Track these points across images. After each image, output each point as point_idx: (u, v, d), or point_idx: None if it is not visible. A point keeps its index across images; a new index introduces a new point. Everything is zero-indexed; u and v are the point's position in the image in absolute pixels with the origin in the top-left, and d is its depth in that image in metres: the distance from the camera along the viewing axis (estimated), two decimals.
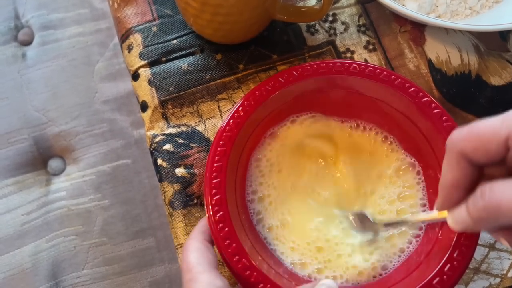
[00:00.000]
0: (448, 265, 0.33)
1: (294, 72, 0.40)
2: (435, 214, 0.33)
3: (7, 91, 0.77)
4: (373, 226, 0.38)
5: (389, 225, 0.37)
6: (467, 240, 0.33)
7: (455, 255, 0.33)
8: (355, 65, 0.39)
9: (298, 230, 0.38)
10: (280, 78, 0.39)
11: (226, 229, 0.34)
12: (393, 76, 0.39)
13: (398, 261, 0.37)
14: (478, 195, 0.26)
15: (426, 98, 0.38)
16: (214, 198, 0.35)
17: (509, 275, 0.41)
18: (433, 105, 0.37)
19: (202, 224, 0.36)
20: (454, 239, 0.34)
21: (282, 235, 0.38)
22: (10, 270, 0.67)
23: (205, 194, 0.36)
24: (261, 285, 0.33)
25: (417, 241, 0.37)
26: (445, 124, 0.37)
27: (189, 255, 0.34)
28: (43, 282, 0.65)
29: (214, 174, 0.36)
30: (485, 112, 0.45)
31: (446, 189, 0.29)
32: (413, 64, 0.47)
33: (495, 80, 0.46)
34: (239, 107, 0.39)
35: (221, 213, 0.35)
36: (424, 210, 0.38)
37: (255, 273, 0.33)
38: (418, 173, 0.39)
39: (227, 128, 0.38)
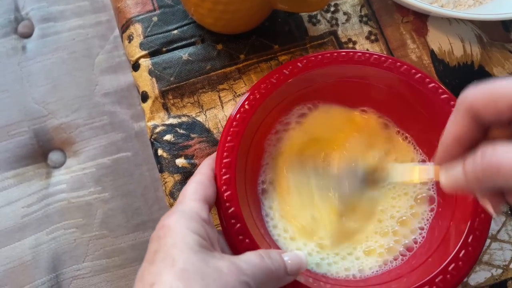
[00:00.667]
0: (453, 265, 0.33)
1: (299, 64, 0.39)
2: (428, 168, 0.33)
3: (7, 84, 0.77)
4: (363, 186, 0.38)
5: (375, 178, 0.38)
6: (475, 242, 0.33)
7: (461, 254, 0.33)
8: (360, 53, 0.39)
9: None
10: (284, 70, 0.39)
11: (238, 225, 0.34)
12: (399, 63, 0.38)
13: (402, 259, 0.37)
14: (478, 154, 0.26)
15: (433, 84, 0.38)
16: (225, 194, 0.35)
17: (511, 266, 0.41)
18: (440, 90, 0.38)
19: (210, 162, 0.36)
20: (465, 232, 0.33)
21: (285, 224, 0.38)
22: (10, 262, 0.66)
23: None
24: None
25: (422, 237, 0.37)
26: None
27: (189, 185, 0.34)
28: (43, 275, 0.65)
29: (223, 170, 0.36)
30: None
31: (446, 142, 0.29)
32: (416, 54, 0.46)
33: (498, 71, 0.46)
34: (244, 101, 0.38)
35: (232, 209, 0.34)
36: None
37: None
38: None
39: (234, 123, 0.37)
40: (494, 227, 0.41)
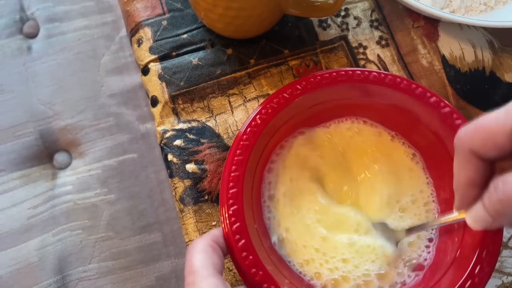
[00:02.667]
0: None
1: (312, 80, 0.39)
2: (454, 216, 0.33)
3: (12, 84, 0.77)
4: (394, 234, 0.37)
5: (410, 230, 0.37)
6: (491, 251, 0.33)
7: (476, 270, 0.33)
8: (375, 73, 0.39)
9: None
10: (298, 86, 0.39)
11: (243, 241, 0.34)
12: (414, 85, 0.38)
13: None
14: (491, 189, 0.26)
15: (448, 108, 0.37)
16: (231, 208, 0.35)
17: None
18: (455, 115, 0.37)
19: (213, 231, 0.35)
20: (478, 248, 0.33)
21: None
22: (16, 264, 0.67)
23: (221, 204, 0.35)
24: None
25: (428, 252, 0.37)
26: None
27: (194, 257, 0.32)
28: (49, 276, 0.65)
29: (231, 184, 0.35)
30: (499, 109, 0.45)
31: (460, 188, 0.29)
32: (426, 60, 0.46)
33: (510, 77, 0.46)
34: (256, 115, 0.38)
35: (238, 224, 0.34)
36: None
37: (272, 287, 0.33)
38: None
39: (244, 137, 0.37)
40: (505, 234, 0.41)
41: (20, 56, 0.77)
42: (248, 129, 0.37)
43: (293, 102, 0.38)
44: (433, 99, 0.37)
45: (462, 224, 0.35)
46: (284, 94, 0.38)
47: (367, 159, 0.40)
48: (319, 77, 0.39)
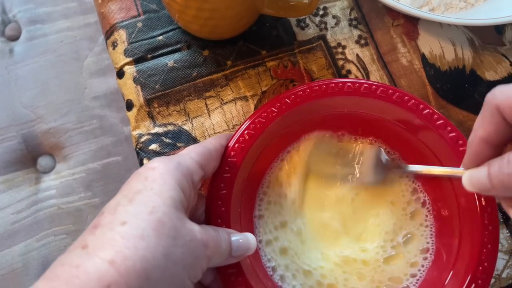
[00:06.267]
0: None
1: (301, 93, 0.38)
2: (452, 169, 0.32)
3: None
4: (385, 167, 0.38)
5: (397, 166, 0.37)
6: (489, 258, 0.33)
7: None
8: (366, 85, 0.38)
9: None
10: (286, 99, 0.38)
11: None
12: (407, 97, 0.37)
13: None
14: (505, 160, 0.26)
15: (442, 121, 0.36)
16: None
17: (503, 275, 0.40)
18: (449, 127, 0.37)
19: (223, 138, 0.36)
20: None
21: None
22: (0, 270, 0.66)
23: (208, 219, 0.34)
24: None
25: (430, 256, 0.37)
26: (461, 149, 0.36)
27: (195, 146, 0.33)
28: (34, 282, 0.64)
29: (219, 202, 0.34)
30: (480, 108, 0.44)
31: (474, 143, 0.28)
32: (406, 59, 0.45)
33: (490, 75, 0.45)
34: (244, 130, 0.37)
35: None
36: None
37: None
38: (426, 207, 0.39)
39: (232, 153, 0.36)
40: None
41: (2, 59, 0.77)
42: (236, 145, 0.36)
43: (281, 116, 0.37)
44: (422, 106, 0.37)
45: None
46: (273, 108, 0.37)
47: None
48: (308, 90, 0.38)
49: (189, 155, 0.31)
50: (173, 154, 0.42)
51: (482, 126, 0.28)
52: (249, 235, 0.32)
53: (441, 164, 0.36)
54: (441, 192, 0.37)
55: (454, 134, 0.36)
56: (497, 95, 0.27)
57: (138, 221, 0.26)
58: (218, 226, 0.33)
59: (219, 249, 0.29)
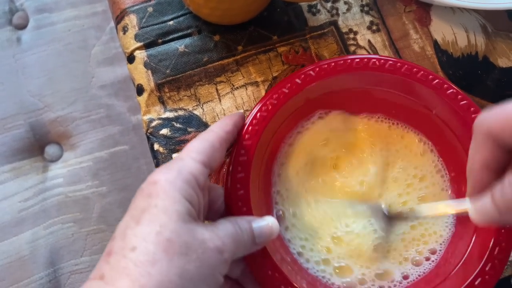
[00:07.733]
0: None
1: (311, 72, 0.38)
2: (457, 204, 0.31)
3: (2, 76, 0.76)
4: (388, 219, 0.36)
5: (400, 216, 0.36)
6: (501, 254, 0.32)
7: (487, 268, 0.32)
8: (375, 60, 0.37)
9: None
10: (297, 80, 0.37)
11: None
12: (415, 69, 0.37)
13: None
14: (506, 183, 0.25)
15: (455, 93, 0.36)
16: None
17: None
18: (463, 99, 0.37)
19: (226, 123, 0.35)
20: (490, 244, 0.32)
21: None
22: (7, 257, 0.66)
23: (229, 207, 0.34)
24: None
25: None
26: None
27: (195, 141, 0.32)
28: (41, 270, 0.64)
29: (238, 185, 0.34)
30: (492, 95, 0.44)
31: (474, 171, 0.28)
32: (418, 45, 0.45)
33: (503, 62, 0.45)
34: (256, 113, 0.37)
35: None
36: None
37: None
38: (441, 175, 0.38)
39: (247, 136, 0.36)
40: None
41: (9, 47, 0.77)
42: (250, 127, 0.36)
43: (294, 97, 0.37)
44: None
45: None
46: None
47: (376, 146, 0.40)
48: (317, 69, 0.38)
49: (189, 155, 0.30)
50: (183, 138, 0.42)
51: (477, 154, 0.27)
52: (270, 219, 0.31)
53: (457, 138, 0.36)
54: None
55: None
56: (484, 121, 0.27)
57: (147, 245, 0.25)
58: (239, 209, 0.33)
59: (240, 243, 0.29)
